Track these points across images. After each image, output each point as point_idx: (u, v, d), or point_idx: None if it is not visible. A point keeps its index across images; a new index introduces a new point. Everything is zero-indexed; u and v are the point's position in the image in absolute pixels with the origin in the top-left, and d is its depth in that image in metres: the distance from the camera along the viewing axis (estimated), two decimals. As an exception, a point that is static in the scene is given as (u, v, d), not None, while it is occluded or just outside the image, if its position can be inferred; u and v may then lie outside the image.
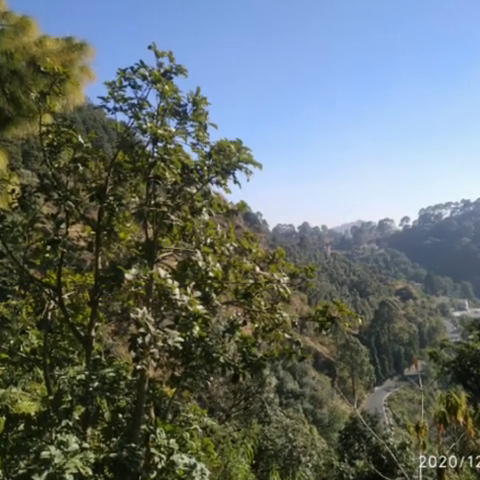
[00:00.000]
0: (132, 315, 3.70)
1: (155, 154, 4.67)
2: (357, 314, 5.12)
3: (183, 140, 4.84)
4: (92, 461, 3.70)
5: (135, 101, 4.65)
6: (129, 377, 4.68)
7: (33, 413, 4.65)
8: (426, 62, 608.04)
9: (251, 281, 5.03)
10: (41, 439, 4.08)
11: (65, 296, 5.23)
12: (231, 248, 5.11)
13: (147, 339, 3.60)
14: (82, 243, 5.23)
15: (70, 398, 4.30)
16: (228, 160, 4.65)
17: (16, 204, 4.85)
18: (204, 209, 4.84)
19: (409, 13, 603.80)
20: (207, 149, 4.83)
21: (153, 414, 4.97)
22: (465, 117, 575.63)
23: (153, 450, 4.32)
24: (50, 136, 4.79)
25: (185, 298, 3.95)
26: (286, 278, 5.02)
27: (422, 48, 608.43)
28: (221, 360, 4.81)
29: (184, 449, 4.98)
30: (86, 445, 3.85)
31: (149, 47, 4.64)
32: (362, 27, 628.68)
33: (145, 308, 3.79)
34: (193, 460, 4.43)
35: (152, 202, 4.61)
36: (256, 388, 15.31)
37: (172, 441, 4.49)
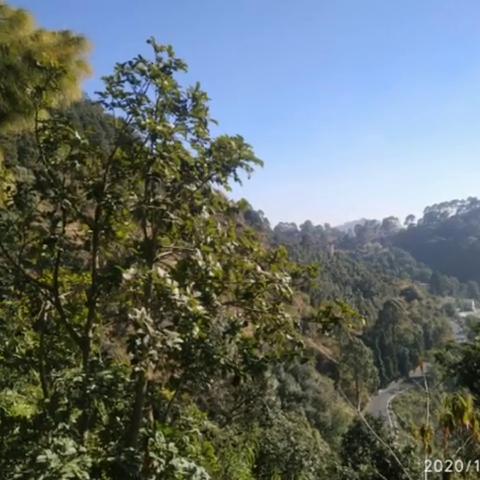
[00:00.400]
0: (130, 316, 3.66)
1: (154, 151, 4.62)
2: (361, 315, 5.11)
3: (183, 136, 4.80)
4: (89, 465, 3.66)
5: (133, 96, 4.60)
6: (127, 379, 4.65)
7: (29, 416, 4.64)
8: (430, 59, 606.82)
9: (252, 281, 4.99)
10: (37, 443, 4.05)
11: (62, 296, 5.18)
12: (232, 247, 5.05)
13: (146, 340, 3.55)
14: (79, 242, 5.17)
15: (67, 401, 4.29)
16: (229, 157, 4.59)
17: (11, 202, 4.80)
18: (204, 207, 4.78)
19: (411, 10, 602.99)
20: (207, 146, 4.78)
21: (152, 417, 4.93)
22: (469, 114, 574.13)
23: (152, 454, 4.25)
24: (46, 132, 4.74)
25: (185, 298, 3.90)
26: (288, 278, 4.97)
27: (425, 45, 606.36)
28: (221, 362, 4.78)
29: (184, 453, 4.94)
30: (83, 449, 3.82)
31: (148, 41, 4.59)
32: (364, 23, 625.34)
33: (144, 309, 3.75)
34: (193, 464, 4.35)
35: (151, 200, 4.57)
36: (257, 390, 15.23)
37: (171, 445, 4.41)
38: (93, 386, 4.03)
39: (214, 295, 4.75)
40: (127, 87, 4.58)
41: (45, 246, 4.72)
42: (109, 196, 4.70)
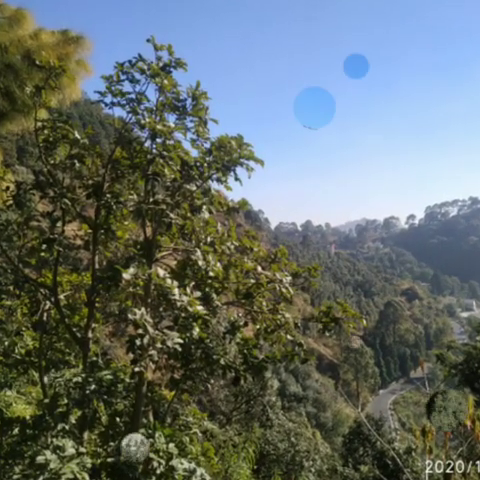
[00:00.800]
0: (130, 316, 3.65)
1: (154, 150, 4.61)
2: (361, 315, 5.09)
3: (182, 136, 4.78)
4: (89, 466, 3.65)
5: (133, 96, 4.60)
6: (127, 380, 4.63)
7: (28, 417, 4.63)
8: (430, 59, 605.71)
9: (252, 281, 4.98)
10: (36, 444, 4.04)
11: (61, 296, 5.17)
12: (232, 247, 5.04)
13: (145, 341, 3.56)
14: (79, 242, 5.16)
15: (66, 401, 4.28)
16: (229, 156, 4.58)
17: (11, 202, 4.78)
18: (204, 207, 4.76)
19: (411, 10, 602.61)
20: (207, 145, 4.77)
21: (152, 418, 4.92)
22: (469, 114, 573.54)
23: (152, 455, 4.22)
24: (46, 132, 4.73)
25: (184, 298, 3.89)
26: (288, 278, 4.95)
27: (425, 45, 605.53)
28: (222, 362, 4.76)
29: (184, 454, 4.92)
30: (83, 450, 3.81)
31: (148, 40, 4.57)
32: (364, 23, 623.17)
33: (143, 309, 3.74)
34: (193, 465, 4.32)
35: (151, 200, 4.55)
36: (258, 391, 15.17)
37: (171, 445, 4.39)
38: (93, 387, 4.02)
39: (214, 295, 4.73)
40: (127, 86, 4.59)
41: (44, 246, 4.70)
42: (109, 196, 4.68)
